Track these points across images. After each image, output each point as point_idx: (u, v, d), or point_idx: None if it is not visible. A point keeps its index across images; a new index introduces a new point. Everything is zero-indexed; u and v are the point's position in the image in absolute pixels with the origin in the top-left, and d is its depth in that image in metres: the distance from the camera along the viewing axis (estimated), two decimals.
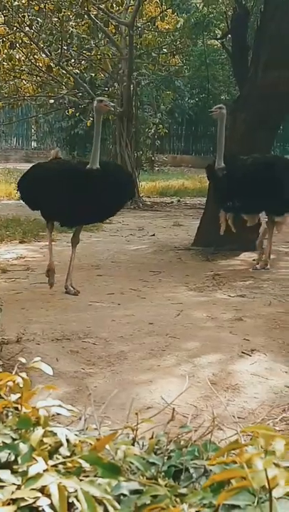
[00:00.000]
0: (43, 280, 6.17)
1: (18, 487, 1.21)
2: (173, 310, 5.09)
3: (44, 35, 12.55)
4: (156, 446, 1.46)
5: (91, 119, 13.86)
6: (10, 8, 11.74)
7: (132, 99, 13.97)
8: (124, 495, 1.24)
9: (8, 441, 1.34)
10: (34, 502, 1.18)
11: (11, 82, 13.88)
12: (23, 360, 1.73)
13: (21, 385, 1.51)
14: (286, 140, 24.88)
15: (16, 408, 1.49)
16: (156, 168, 22.75)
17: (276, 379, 3.61)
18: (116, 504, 1.21)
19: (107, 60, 13.85)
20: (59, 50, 12.60)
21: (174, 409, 1.70)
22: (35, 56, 13.62)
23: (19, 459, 1.29)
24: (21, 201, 6.45)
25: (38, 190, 5.82)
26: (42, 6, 12.03)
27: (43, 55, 13.40)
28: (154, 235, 9.61)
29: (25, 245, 8.39)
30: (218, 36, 16.24)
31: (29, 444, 1.32)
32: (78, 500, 1.19)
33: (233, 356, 3.98)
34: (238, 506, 1.16)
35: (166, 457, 1.39)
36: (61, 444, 1.36)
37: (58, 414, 1.52)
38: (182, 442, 1.48)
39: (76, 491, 1.20)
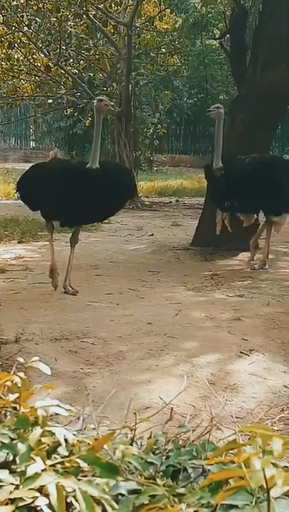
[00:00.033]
0: (41, 280, 6.18)
1: (17, 487, 1.21)
2: (171, 310, 5.09)
3: (43, 35, 12.55)
4: (155, 446, 1.46)
5: (89, 118, 13.89)
6: (8, 8, 11.74)
7: (130, 99, 13.97)
8: (123, 495, 1.24)
9: (7, 441, 1.34)
10: (32, 502, 1.18)
11: (10, 82, 13.89)
12: (22, 360, 1.73)
13: (19, 385, 1.51)
14: (284, 140, 24.90)
15: (15, 408, 1.49)
16: (155, 168, 22.76)
17: (274, 379, 3.62)
18: (114, 504, 1.21)
19: (106, 59, 13.85)
20: (57, 50, 12.59)
21: (172, 409, 1.71)
22: (34, 56, 13.63)
23: (17, 459, 1.29)
24: (20, 201, 6.45)
25: (37, 190, 5.82)
26: (40, 5, 12.04)
27: (42, 55, 13.40)
28: (152, 234, 9.61)
29: (24, 245, 8.39)
30: (217, 36, 16.22)
31: (27, 443, 1.33)
32: (76, 500, 1.19)
33: (231, 356, 3.98)
34: (236, 506, 1.16)
35: (164, 457, 1.39)
36: (59, 444, 1.36)
37: (57, 414, 1.52)
38: (180, 442, 1.48)
39: (74, 490, 1.20)
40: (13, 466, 1.28)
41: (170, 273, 6.73)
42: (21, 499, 1.18)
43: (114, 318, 4.81)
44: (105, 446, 1.37)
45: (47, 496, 1.18)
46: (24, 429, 1.39)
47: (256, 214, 7.12)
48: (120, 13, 13.50)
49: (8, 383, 1.52)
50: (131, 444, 1.46)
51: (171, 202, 14.82)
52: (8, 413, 1.48)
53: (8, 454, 1.31)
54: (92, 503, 1.18)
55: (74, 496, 1.20)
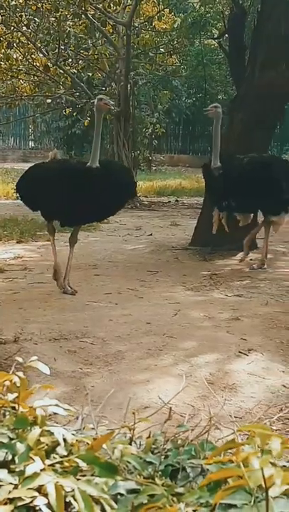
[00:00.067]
0: (40, 280, 6.18)
1: (15, 486, 1.22)
2: (170, 310, 5.09)
3: (41, 35, 12.56)
4: (154, 446, 1.47)
5: (88, 118, 13.90)
6: (7, 8, 11.74)
7: (129, 99, 13.97)
8: (121, 494, 1.24)
9: (6, 440, 1.35)
10: (31, 501, 1.18)
11: (9, 82, 13.89)
12: (21, 360, 1.73)
13: (18, 385, 1.51)
14: (283, 140, 24.91)
15: (13, 407, 1.49)
16: (154, 168, 22.78)
17: (273, 378, 3.62)
18: (113, 503, 1.21)
19: (105, 59, 13.87)
20: (56, 50, 12.60)
21: (171, 408, 1.71)
22: (33, 56, 13.64)
23: (16, 459, 1.29)
24: (19, 201, 6.45)
25: (37, 190, 5.81)
26: (39, 5, 12.05)
27: (41, 55, 13.41)
28: (151, 234, 9.61)
29: (23, 245, 8.39)
30: (215, 36, 16.21)
31: (26, 443, 1.33)
32: (75, 500, 1.19)
33: (230, 356, 3.98)
34: (235, 505, 1.16)
35: (163, 456, 1.39)
36: (58, 444, 1.36)
37: (55, 413, 1.52)
38: (179, 441, 1.48)
39: (73, 490, 1.20)
40: (11, 466, 1.28)
41: (169, 273, 6.73)
42: (20, 499, 1.18)
43: (113, 318, 4.81)
44: (104, 446, 1.37)
45: (46, 495, 1.19)
46: (23, 429, 1.39)
47: (254, 214, 7.13)
48: (119, 12, 13.50)
49: (7, 383, 1.52)
50: (130, 444, 1.46)
51: (170, 202, 14.83)
52: (7, 413, 1.48)
53: (7, 453, 1.31)
54: (91, 503, 1.18)
55: (73, 496, 1.20)
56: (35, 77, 14.07)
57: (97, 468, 1.29)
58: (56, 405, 1.50)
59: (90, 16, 12.55)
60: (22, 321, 4.63)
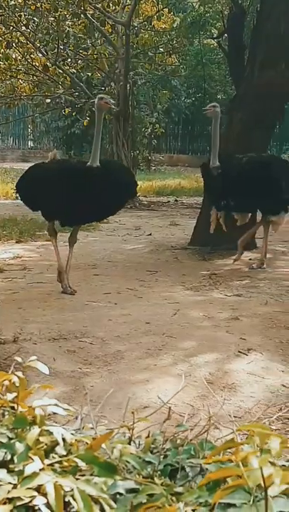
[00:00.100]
0: (39, 280, 6.18)
1: (14, 486, 1.22)
2: (169, 309, 5.09)
3: (40, 35, 12.56)
4: (153, 445, 1.47)
5: (88, 118, 13.89)
6: (6, 8, 11.74)
7: (128, 99, 13.98)
8: (121, 494, 1.24)
9: (5, 440, 1.35)
10: (30, 501, 1.18)
11: (8, 82, 13.90)
12: (20, 360, 1.73)
13: (18, 384, 1.51)
14: (283, 139, 24.91)
15: (13, 407, 1.49)
16: (153, 168, 22.77)
17: (272, 378, 3.62)
18: (112, 503, 1.21)
19: (104, 59, 13.87)
20: (55, 50, 12.60)
21: (170, 408, 1.71)
22: (32, 55, 13.64)
23: (15, 458, 1.29)
24: (18, 201, 6.44)
25: (37, 190, 5.80)
26: (38, 5, 12.05)
27: (40, 55, 13.41)
28: (150, 234, 9.61)
29: (22, 245, 8.39)
30: (215, 35, 16.20)
31: (25, 443, 1.33)
32: (74, 499, 1.19)
33: (229, 355, 3.98)
34: (234, 505, 1.16)
35: (162, 456, 1.39)
36: (57, 443, 1.36)
37: (55, 413, 1.52)
38: (178, 441, 1.48)
39: (72, 490, 1.20)
40: (11, 466, 1.28)
41: (168, 272, 6.73)
42: (19, 498, 1.18)
43: (113, 317, 4.81)
44: (103, 446, 1.37)
45: (45, 495, 1.19)
46: (22, 429, 1.39)
47: (253, 213, 7.12)
48: (118, 12, 13.51)
49: (6, 383, 1.52)
50: (129, 443, 1.46)
51: (169, 201, 14.83)
52: (6, 412, 1.48)
53: (6, 453, 1.31)
54: (90, 502, 1.18)
55: (72, 495, 1.20)
56: (35, 77, 14.08)
57: (96, 467, 1.29)
58: (55, 405, 1.50)
59: (89, 15, 12.55)
60: (21, 320, 4.63)
